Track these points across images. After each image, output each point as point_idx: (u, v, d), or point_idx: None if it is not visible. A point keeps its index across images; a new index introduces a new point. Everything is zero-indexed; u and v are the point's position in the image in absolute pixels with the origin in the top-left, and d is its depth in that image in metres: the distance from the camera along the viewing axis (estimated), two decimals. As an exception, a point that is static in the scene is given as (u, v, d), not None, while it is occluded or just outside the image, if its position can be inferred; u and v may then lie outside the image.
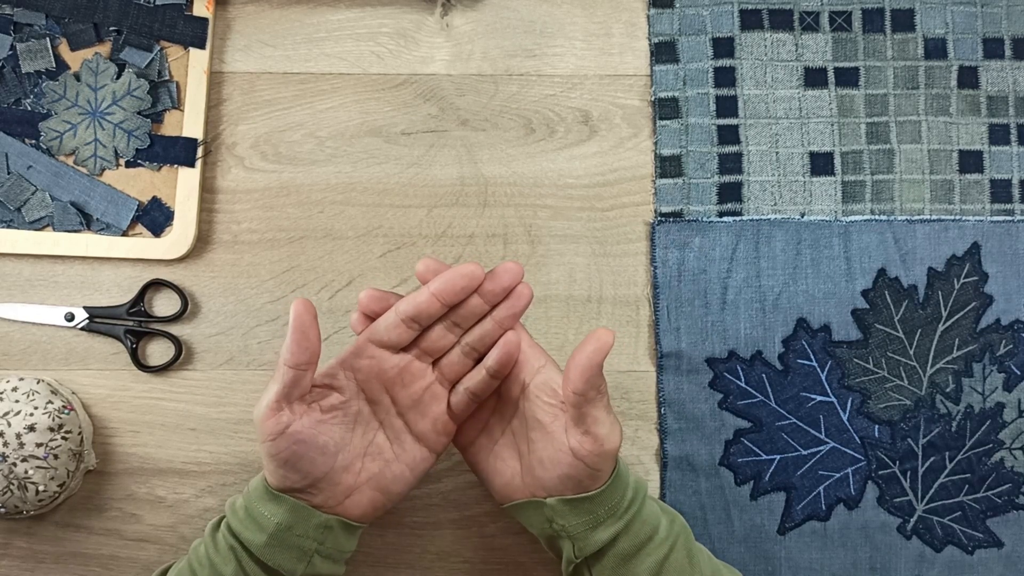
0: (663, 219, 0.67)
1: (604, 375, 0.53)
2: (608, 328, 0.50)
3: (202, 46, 0.67)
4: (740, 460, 0.65)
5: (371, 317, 0.55)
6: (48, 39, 0.66)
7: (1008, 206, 0.68)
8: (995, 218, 0.67)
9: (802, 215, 0.67)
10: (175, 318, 0.65)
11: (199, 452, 0.65)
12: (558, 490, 0.54)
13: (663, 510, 0.57)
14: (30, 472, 0.59)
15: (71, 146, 0.66)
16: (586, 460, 0.53)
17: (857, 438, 0.65)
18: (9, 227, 0.65)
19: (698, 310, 0.66)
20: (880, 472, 0.65)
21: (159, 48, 0.67)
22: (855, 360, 0.66)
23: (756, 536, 0.65)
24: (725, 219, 0.67)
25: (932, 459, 0.65)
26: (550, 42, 0.69)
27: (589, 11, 0.69)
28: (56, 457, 0.60)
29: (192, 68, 0.67)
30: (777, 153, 0.68)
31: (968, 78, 0.69)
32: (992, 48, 0.69)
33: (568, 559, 0.55)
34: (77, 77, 0.66)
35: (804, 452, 0.65)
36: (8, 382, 0.62)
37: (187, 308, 0.65)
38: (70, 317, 0.65)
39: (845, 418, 0.65)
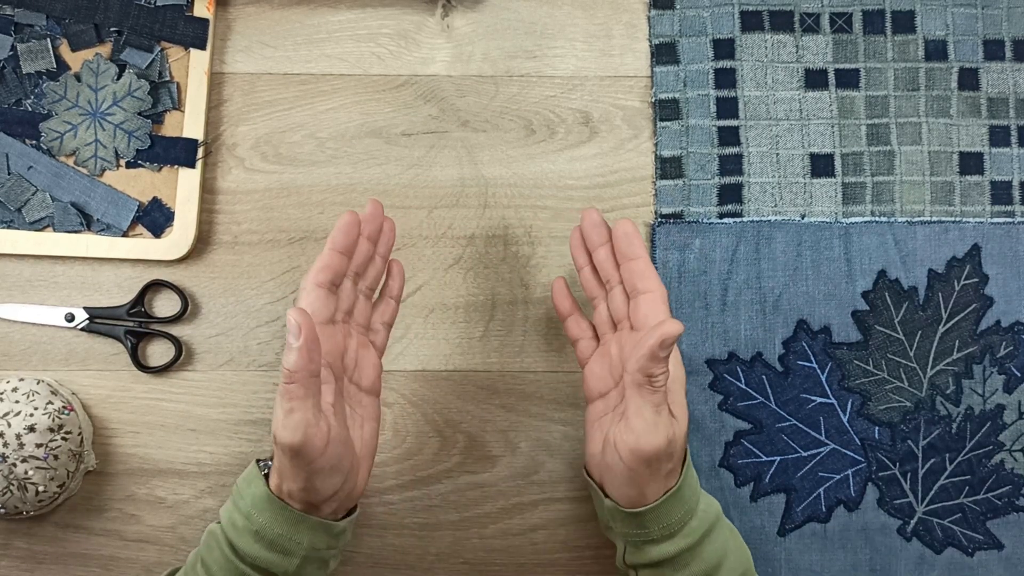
0: (663, 220, 0.67)
1: (670, 368, 0.53)
2: (676, 320, 0.51)
3: (203, 47, 0.67)
4: (740, 462, 0.65)
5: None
6: (49, 40, 0.66)
7: (1008, 208, 0.68)
8: (995, 220, 0.67)
9: (802, 216, 0.67)
10: (175, 319, 0.65)
11: (199, 453, 0.65)
12: (620, 486, 0.54)
13: (731, 548, 0.56)
14: (30, 472, 0.59)
15: (71, 147, 0.66)
16: (621, 454, 0.53)
17: (857, 440, 0.65)
18: (9, 227, 0.65)
19: (698, 311, 0.66)
20: (880, 474, 0.65)
21: (160, 49, 0.67)
22: (855, 362, 0.66)
23: (756, 537, 0.65)
24: (725, 220, 0.67)
25: (932, 461, 0.65)
26: (551, 43, 0.69)
27: (590, 12, 0.69)
28: (56, 458, 0.60)
29: (193, 69, 0.67)
30: (777, 155, 0.68)
31: (968, 80, 0.69)
32: (992, 50, 0.69)
33: (619, 561, 0.56)
34: (78, 78, 0.66)
35: (804, 454, 0.65)
36: (8, 382, 0.62)
37: (187, 309, 0.65)
38: (70, 318, 0.65)
39: (845, 420, 0.65)
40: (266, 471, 0.55)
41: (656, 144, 0.68)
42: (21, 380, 0.62)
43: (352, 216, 0.56)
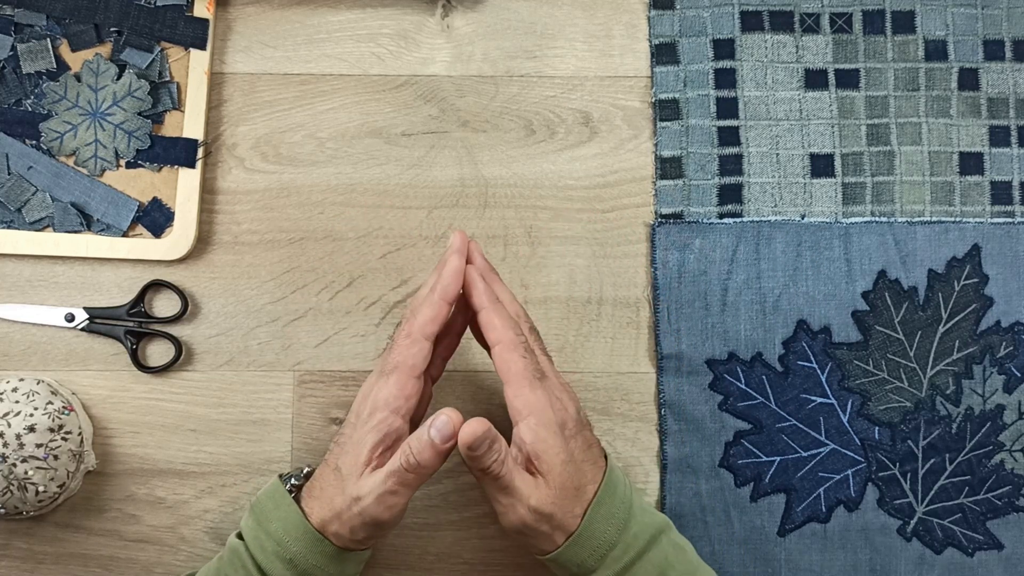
0: (663, 220, 0.67)
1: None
2: (482, 419, 0.50)
3: (203, 47, 0.67)
4: (740, 462, 0.65)
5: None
6: (49, 40, 0.66)
7: (1008, 208, 0.68)
8: (995, 220, 0.67)
9: (802, 217, 0.67)
10: (175, 319, 0.65)
11: (199, 453, 0.65)
12: (515, 538, 0.55)
13: (672, 563, 0.54)
14: (30, 473, 0.59)
15: (71, 147, 0.66)
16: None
17: (857, 440, 0.65)
18: (9, 228, 0.65)
19: (698, 312, 0.66)
20: (880, 474, 0.65)
21: (160, 49, 0.67)
22: (855, 362, 0.66)
23: (756, 538, 0.65)
24: (725, 220, 0.67)
25: (932, 461, 0.65)
26: (551, 43, 0.69)
27: (590, 12, 0.69)
28: (56, 458, 0.60)
29: (193, 69, 0.67)
30: (777, 155, 0.68)
31: (968, 80, 0.69)
32: (992, 50, 0.69)
33: None
34: (78, 78, 0.66)
35: (804, 454, 0.65)
36: (8, 383, 0.62)
37: (187, 309, 0.65)
38: (70, 318, 0.65)
39: (845, 420, 0.65)
40: (292, 491, 0.55)
41: (656, 144, 0.68)
42: (21, 380, 0.62)
43: (460, 261, 0.54)
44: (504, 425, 0.66)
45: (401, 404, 0.53)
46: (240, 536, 0.55)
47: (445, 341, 0.59)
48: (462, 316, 0.59)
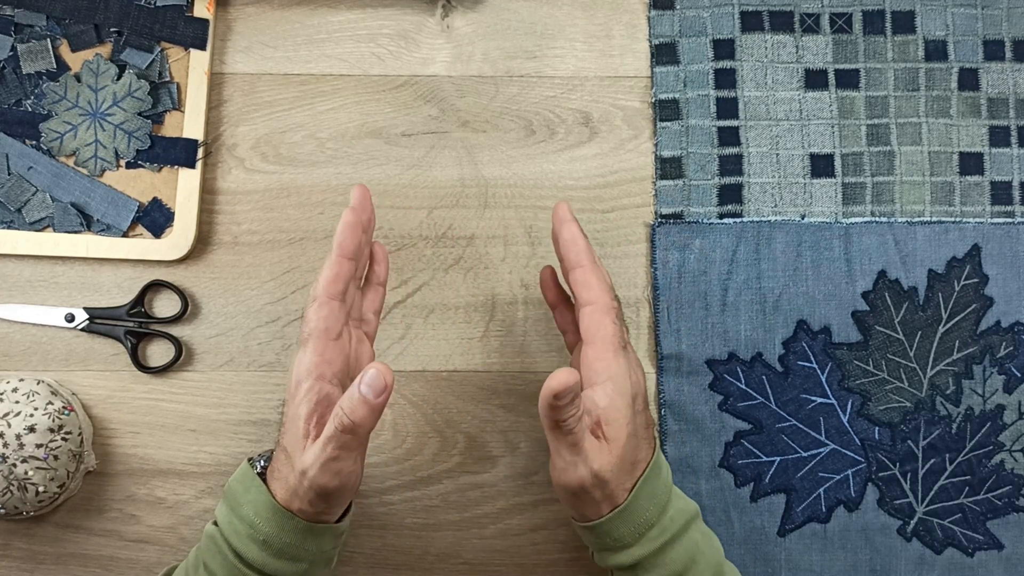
0: (663, 220, 0.67)
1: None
2: (571, 369, 0.48)
3: (203, 47, 0.67)
4: (740, 462, 0.65)
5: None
6: (49, 40, 0.66)
7: (1008, 208, 0.68)
8: (995, 220, 0.67)
9: (802, 217, 0.67)
10: (175, 319, 0.65)
11: (199, 453, 0.65)
12: (563, 503, 0.55)
13: (702, 550, 0.54)
14: (30, 473, 0.59)
15: (72, 147, 0.66)
16: (552, 480, 0.53)
17: (857, 440, 0.65)
18: (10, 228, 0.65)
19: (698, 312, 0.66)
20: (880, 474, 0.65)
21: (160, 49, 0.67)
22: (855, 362, 0.66)
23: (756, 538, 0.65)
24: (725, 221, 0.67)
25: (932, 461, 0.65)
26: (551, 44, 0.69)
27: (590, 13, 0.69)
28: (56, 458, 0.60)
29: (193, 69, 0.67)
30: (777, 155, 0.68)
31: (968, 80, 0.69)
32: (992, 50, 0.69)
33: (591, 557, 0.56)
34: (78, 78, 0.66)
35: (804, 454, 0.65)
36: (8, 383, 0.62)
37: (187, 309, 0.65)
38: (70, 318, 0.65)
39: (845, 420, 0.65)
40: (260, 472, 0.55)
41: (656, 144, 0.68)
42: (21, 380, 0.62)
43: (354, 215, 0.54)
44: (505, 426, 0.66)
45: (325, 369, 0.52)
46: (216, 523, 0.55)
47: (370, 295, 0.58)
48: (382, 266, 0.59)
